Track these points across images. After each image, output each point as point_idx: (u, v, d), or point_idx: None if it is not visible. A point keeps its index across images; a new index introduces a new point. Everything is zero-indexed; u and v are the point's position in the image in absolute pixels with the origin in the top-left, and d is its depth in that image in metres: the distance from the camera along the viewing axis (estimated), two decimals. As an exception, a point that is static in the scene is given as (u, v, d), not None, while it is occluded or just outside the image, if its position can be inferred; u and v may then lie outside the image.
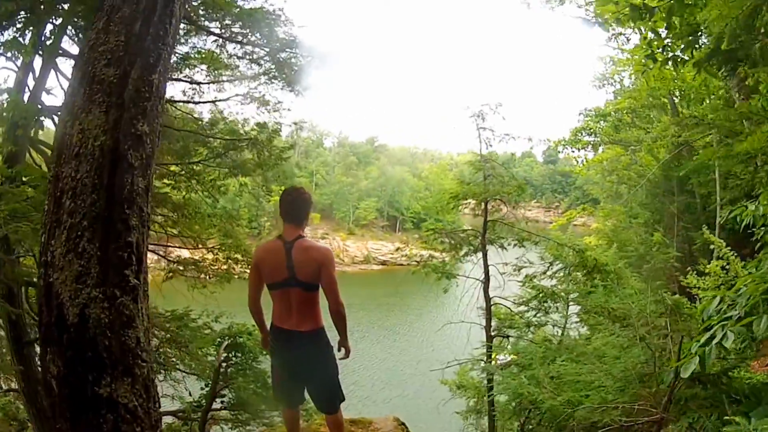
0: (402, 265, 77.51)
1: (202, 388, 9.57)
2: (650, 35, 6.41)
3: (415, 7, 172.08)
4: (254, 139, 9.44)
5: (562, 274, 11.01)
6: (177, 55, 8.61)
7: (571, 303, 10.40)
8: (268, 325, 4.31)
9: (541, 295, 10.65)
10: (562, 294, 10.14)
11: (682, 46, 6.26)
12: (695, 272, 11.81)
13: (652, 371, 5.31)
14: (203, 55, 8.81)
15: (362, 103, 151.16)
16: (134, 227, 2.90)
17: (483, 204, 11.05)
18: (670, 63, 6.19)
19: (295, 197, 4.26)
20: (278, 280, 4.05)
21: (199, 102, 9.75)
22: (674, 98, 20.10)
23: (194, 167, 9.17)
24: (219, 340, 9.54)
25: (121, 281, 2.84)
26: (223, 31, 8.65)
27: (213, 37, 8.83)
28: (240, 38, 8.74)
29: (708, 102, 18.22)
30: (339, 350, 4.26)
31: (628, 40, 19.34)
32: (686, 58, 6.31)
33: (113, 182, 2.84)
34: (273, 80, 9.44)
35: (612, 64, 25.17)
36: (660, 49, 6.34)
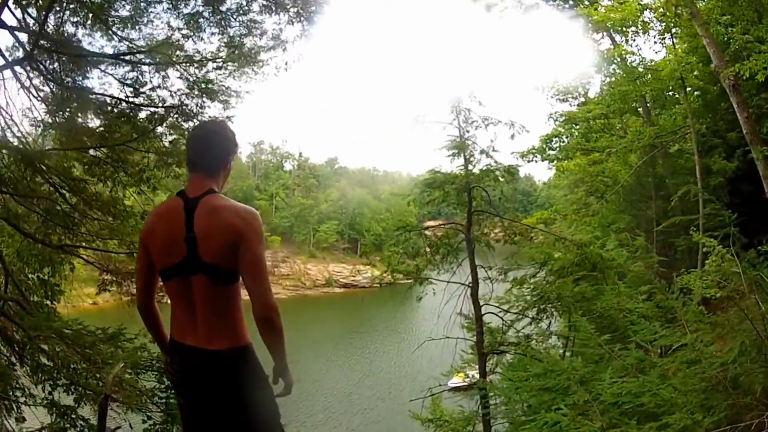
0: (364, 287, 77.40)
1: (144, 420, 7.67)
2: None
3: (380, 22, 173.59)
4: (183, 107, 7.51)
5: (553, 276, 9.57)
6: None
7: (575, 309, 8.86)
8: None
9: (542, 299, 9.04)
10: (568, 297, 8.39)
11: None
12: (686, 272, 10.91)
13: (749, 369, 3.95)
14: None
15: (322, 125, 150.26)
16: None
17: (466, 194, 9.52)
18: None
19: (207, 131, 2.89)
20: (172, 263, 2.48)
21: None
22: (646, 102, 19.75)
23: (119, 152, 7.30)
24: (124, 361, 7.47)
25: None
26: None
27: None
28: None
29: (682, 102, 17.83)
30: (276, 382, 2.66)
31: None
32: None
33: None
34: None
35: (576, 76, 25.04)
36: None
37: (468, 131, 9.68)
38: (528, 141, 22.58)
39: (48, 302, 7.36)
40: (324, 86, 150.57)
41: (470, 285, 9.63)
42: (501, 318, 9.72)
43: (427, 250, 10.24)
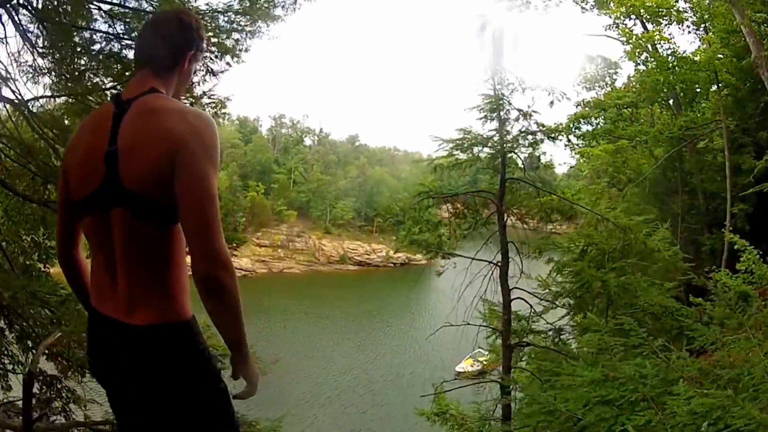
0: (378, 266, 77.40)
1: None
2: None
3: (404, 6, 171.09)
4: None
5: (592, 263, 8.12)
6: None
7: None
8: None
9: (583, 286, 7.77)
10: (616, 287, 7.19)
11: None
12: (716, 270, 10.41)
13: None
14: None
15: (344, 101, 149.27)
16: None
17: (499, 159, 8.27)
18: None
19: (161, 17, 2.33)
20: (86, 192, 1.76)
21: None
22: (677, 94, 19.13)
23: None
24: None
25: None
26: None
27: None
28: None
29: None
30: (236, 377, 1.90)
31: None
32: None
33: None
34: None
35: (604, 65, 24.33)
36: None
37: (503, 94, 8.53)
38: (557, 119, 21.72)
39: (41, 266, 7.19)
40: (349, 63, 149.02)
41: (499, 264, 8.36)
42: (530, 305, 8.63)
43: (451, 221, 8.95)
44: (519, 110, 8.43)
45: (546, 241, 8.94)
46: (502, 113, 8.38)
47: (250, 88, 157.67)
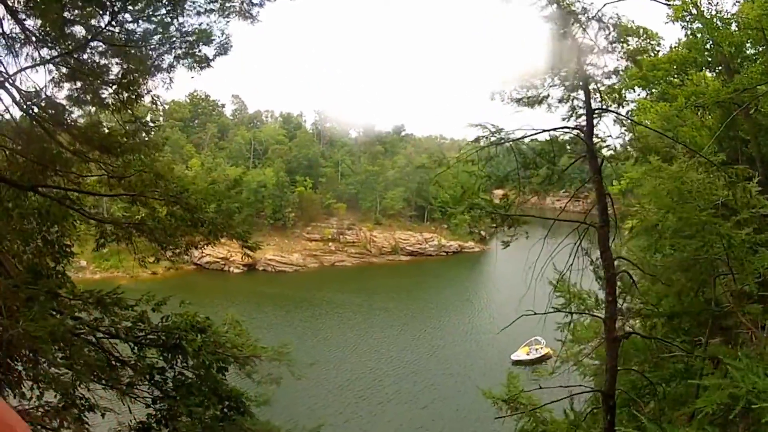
0: (431, 255, 76.34)
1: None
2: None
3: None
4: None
5: None
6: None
7: None
8: None
9: (704, 246, 5.74)
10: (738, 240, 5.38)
11: None
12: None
13: None
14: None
15: (389, 92, 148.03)
16: None
17: (580, 87, 6.40)
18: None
19: None
20: None
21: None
22: (726, 58, 17.41)
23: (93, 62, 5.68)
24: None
25: None
26: None
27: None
28: None
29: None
30: None
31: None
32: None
33: None
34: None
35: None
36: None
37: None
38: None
39: (53, 263, 6.33)
40: (391, 53, 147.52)
41: (596, 224, 6.28)
42: (632, 279, 6.53)
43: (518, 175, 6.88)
44: (599, 20, 6.38)
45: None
46: (577, 27, 6.40)
47: (292, 83, 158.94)
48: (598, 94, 6.60)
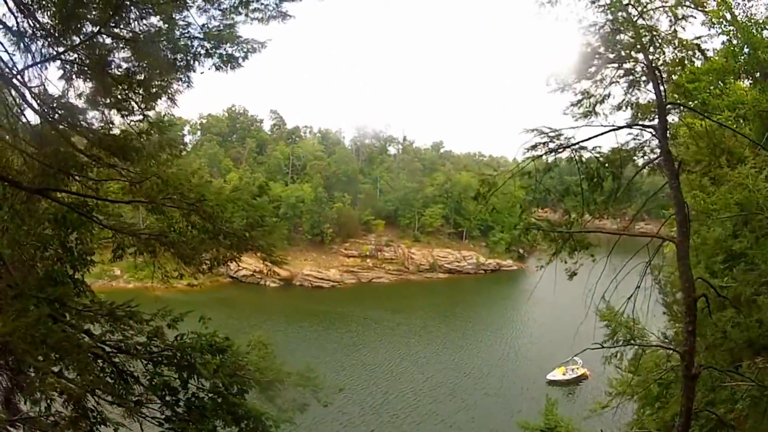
0: (469, 273, 75.23)
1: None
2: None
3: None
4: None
5: None
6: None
7: None
8: None
9: None
10: None
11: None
12: None
13: None
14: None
15: (428, 109, 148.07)
16: None
17: (649, 76, 5.85)
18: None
19: None
20: None
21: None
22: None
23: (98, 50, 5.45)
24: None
25: None
26: None
27: None
28: None
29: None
30: None
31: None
32: None
33: None
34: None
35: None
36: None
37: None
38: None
39: (72, 271, 6.18)
40: (429, 71, 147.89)
41: (674, 239, 5.64)
42: (707, 301, 5.63)
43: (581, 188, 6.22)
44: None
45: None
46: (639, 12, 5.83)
47: (331, 100, 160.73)
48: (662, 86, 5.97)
